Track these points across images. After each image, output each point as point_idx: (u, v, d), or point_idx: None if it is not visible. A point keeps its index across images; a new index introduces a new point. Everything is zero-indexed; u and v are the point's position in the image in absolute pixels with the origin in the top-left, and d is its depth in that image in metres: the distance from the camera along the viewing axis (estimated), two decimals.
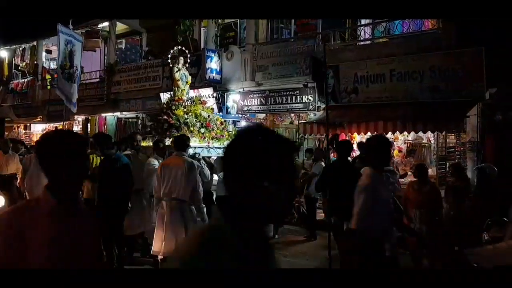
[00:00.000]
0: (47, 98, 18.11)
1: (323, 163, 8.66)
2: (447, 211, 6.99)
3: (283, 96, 11.40)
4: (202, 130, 7.59)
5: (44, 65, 19.93)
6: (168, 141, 7.06)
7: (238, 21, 14.08)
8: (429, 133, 9.06)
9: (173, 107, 7.87)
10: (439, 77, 8.49)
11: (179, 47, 9.05)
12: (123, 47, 17.62)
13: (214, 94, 12.27)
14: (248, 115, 12.43)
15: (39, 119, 18.91)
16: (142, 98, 14.47)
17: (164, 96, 13.28)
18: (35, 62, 19.51)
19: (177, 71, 8.36)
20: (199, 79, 12.43)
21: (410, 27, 9.83)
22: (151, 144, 7.20)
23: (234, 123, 13.35)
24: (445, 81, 8.41)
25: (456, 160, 8.92)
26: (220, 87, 12.42)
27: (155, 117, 8.32)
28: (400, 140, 10.03)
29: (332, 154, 9.99)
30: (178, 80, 8.29)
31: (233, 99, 12.29)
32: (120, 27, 16.61)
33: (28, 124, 20.56)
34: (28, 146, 11.79)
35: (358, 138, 10.24)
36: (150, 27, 16.23)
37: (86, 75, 17.20)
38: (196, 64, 12.54)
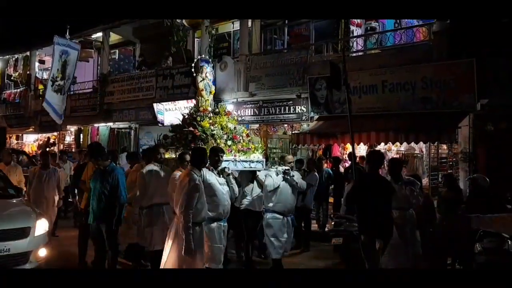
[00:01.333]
0: (40, 108, 18.03)
1: (316, 174, 8.67)
2: (440, 222, 7.00)
3: (276, 107, 11.43)
4: (229, 142, 7.15)
5: (37, 75, 19.86)
6: None
7: (232, 31, 14.16)
8: (421, 144, 9.10)
9: (198, 118, 7.43)
10: (430, 88, 8.55)
11: (202, 56, 8.73)
12: (117, 57, 17.60)
13: None
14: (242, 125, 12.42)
15: (31, 129, 18.79)
16: (135, 108, 14.42)
17: (158, 107, 13.29)
18: (28, 72, 19.41)
19: (201, 81, 7.98)
20: (192, 90, 12.41)
21: (402, 38, 9.94)
22: (173, 156, 6.99)
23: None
24: (436, 92, 8.47)
25: (449, 171, 8.97)
26: (214, 98, 12.38)
27: (178, 128, 7.84)
28: (393, 150, 10.07)
29: (326, 165, 10.02)
30: (202, 90, 7.92)
31: (227, 110, 12.27)
32: (114, 37, 16.61)
33: (20, 134, 20.42)
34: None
35: (351, 148, 10.25)
36: (143, 38, 16.25)
37: (79, 85, 17.14)
38: (189, 75, 12.53)
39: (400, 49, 9.76)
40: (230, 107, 12.14)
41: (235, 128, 7.60)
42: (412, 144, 8.96)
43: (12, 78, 20.52)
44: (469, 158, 8.45)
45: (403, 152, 10.00)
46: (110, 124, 15.69)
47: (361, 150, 10.19)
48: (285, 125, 11.93)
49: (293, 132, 11.48)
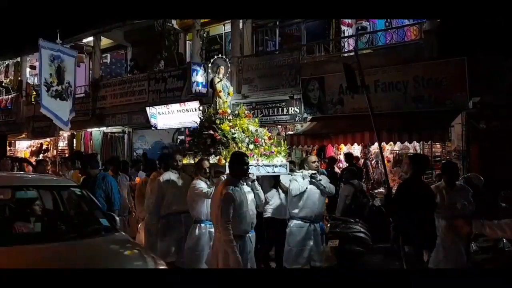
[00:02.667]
0: (32, 114, 17.94)
1: None
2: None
3: (269, 108, 11.42)
4: (251, 146, 6.68)
5: (29, 81, 19.71)
6: (213, 159, 6.35)
7: (223, 33, 14.13)
8: (415, 143, 9.11)
9: (218, 121, 6.97)
10: (423, 87, 8.58)
11: (219, 55, 8.18)
12: (108, 61, 17.53)
13: (201, 107, 12.21)
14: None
15: (23, 135, 18.65)
16: (128, 112, 14.36)
17: (150, 111, 13.23)
18: (19, 78, 19.29)
19: (218, 82, 7.47)
20: (185, 93, 12.39)
21: (393, 38, 9.95)
22: (191, 161, 6.65)
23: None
24: (429, 91, 8.50)
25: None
26: (207, 100, 12.36)
27: (195, 131, 7.42)
28: (387, 150, 10.08)
29: (320, 166, 10.00)
30: (220, 91, 7.40)
31: None
32: (105, 41, 16.54)
33: (12, 141, 20.26)
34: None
35: (345, 149, 10.27)
36: (135, 41, 16.19)
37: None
38: (181, 78, 12.51)
39: (391, 49, 9.77)
40: None
41: (256, 130, 7.12)
42: (406, 143, 8.96)
43: (3, 84, 20.39)
44: (463, 156, 8.48)
45: (397, 151, 10.01)
46: (103, 128, 15.62)
47: (356, 150, 10.19)
48: (279, 126, 11.92)
49: (286, 133, 11.46)
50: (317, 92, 10.10)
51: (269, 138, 7.22)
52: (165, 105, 12.96)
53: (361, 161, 10.36)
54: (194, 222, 5.70)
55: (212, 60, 7.83)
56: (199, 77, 12.18)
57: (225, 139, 6.59)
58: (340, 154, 10.64)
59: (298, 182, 6.08)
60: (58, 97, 10.25)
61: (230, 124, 6.88)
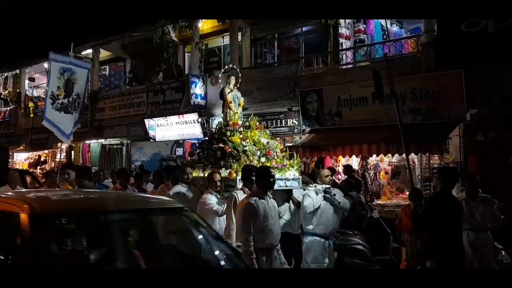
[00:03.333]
0: (30, 126, 17.95)
1: None
2: None
3: (268, 120, 11.43)
4: (263, 159, 6.43)
5: (27, 93, 19.77)
6: (224, 172, 6.12)
7: (222, 46, 14.23)
8: (412, 155, 9.12)
9: (228, 133, 6.73)
10: (420, 99, 8.62)
11: (231, 65, 8.01)
12: (107, 74, 17.61)
13: (199, 119, 12.26)
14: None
15: (22, 147, 18.63)
16: (126, 124, 14.37)
17: (149, 123, 13.25)
18: (17, 90, 19.34)
19: (229, 92, 7.22)
20: (183, 105, 12.43)
21: (391, 50, 10.03)
22: (201, 174, 6.44)
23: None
24: (426, 103, 8.54)
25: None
26: (205, 112, 12.42)
27: (204, 144, 7.20)
28: (385, 162, 10.09)
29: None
30: (231, 102, 7.16)
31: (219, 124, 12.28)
32: (104, 53, 16.62)
33: (11, 153, 20.21)
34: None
35: (343, 161, 10.27)
36: (133, 53, 16.27)
37: None
38: (180, 90, 12.56)
39: (389, 61, 9.81)
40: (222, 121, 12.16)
41: (268, 142, 6.89)
42: (404, 155, 8.97)
43: (1, 96, 20.42)
44: (461, 168, 8.48)
45: (395, 163, 10.03)
46: (102, 140, 15.62)
47: (353, 162, 10.20)
48: (278, 138, 11.93)
49: (285, 145, 11.47)
50: (316, 104, 10.14)
51: (281, 151, 6.99)
52: (164, 117, 12.99)
53: (360, 172, 10.37)
54: None
55: (222, 70, 7.68)
56: (197, 89, 12.24)
57: (236, 152, 6.38)
58: (338, 166, 10.64)
59: (312, 198, 5.79)
60: (62, 110, 10.16)
61: (241, 136, 6.66)
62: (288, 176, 6.39)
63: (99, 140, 15.67)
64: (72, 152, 17.04)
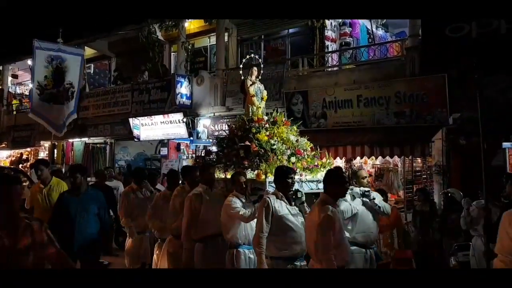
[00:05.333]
0: (12, 123, 17.66)
1: None
2: (415, 236, 7.05)
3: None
4: (293, 159, 5.77)
5: (10, 90, 19.43)
6: (250, 174, 5.49)
7: (208, 46, 14.18)
8: (396, 157, 9.20)
9: (254, 130, 6.03)
10: (404, 103, 8.69)
11: (251, 55, 7.23)
12: (92, 72, 17.40)
13: (184, 119, 12.19)
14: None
15: (3, 145, 18.30)
16: (110, 123, 14.21)
17: (133, 122, 13.11)
18: (0, 87, 18.99)
19: (251, 85, 6.53)
20: (169, 104, 12.34)
21: (376, 54, 10.10)
22: (221, 175, 5.83)
23: (205, 148, 13.27)
24: (410, 107, 8.62)
25: (423, 184, 9.07)
26: (191, 112, 12.36)
27: (225, 142, 6.45)
28: (369, 164, 10.15)
29: None
30: (253, 95, 6.48)
31: (204, 124, 12.23)
32: (89, 51, 16.42)
33: None
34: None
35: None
36: (119, 52, 16.12)
37: None
38: (165, 89, 12.47)
39: (374, 65, 9.93)
40: (207, 122, 12.11)
41: (297, 140, 6.21)
42: (387, 157, 9.05)
43: None
44: (443, 171, 8.58)
45: (378, 165, 10.08)
46: (85, 139, 15.41)
47: (338, 164, 10.20)
48: None
49: None
50: (301, 106, 10.15)
51: (311, 149, 6.34)
52: (149, 117, 12.88)
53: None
54: (230, 247, 4.79)
55: (244, 61, 6.99)
56: (183, 89, 12.16)
57: (262, 150, 5.74)
58: None
59: (348, 202, 5.09)
60: (51, 101, 9.48)
61: (267, 133, 6.00)
62: (319, 177, 5.61)
63: (83, 139, 15.46)
64: (55, 150, 16.78)
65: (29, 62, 18.28)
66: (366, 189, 5.22)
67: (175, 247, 5.34)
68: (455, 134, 8.20)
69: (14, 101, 19.12)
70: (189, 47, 13.18)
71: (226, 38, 12.88)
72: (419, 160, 9.44)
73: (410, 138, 8.30)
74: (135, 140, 13.43)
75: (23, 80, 20.57)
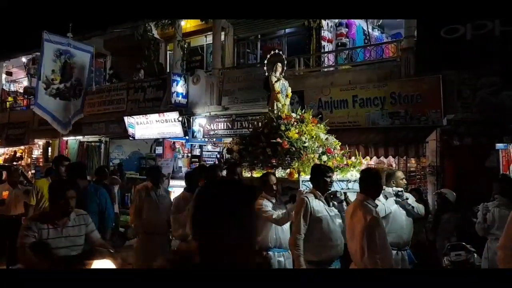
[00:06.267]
0: (6, 121, 17.56)
1: None
2: None
3: (249, 121, 11.43)
4: (324, 157, 5.54)
5: (4, 87, 19.33)
6: (280, 173, 5.27)
7: (205, 45, 14.19)
8: (390, 158, 9.26)
9: (283, 127, 5.79)
10: (399, 104, 8.75)
11: (275, 50, 7.05)
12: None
13: (180, 118, 12.19)
14: (214, 140, 12.39)
15: None
16: (105, 121, 14.17)
17: (128, 120, 13.08)
18: None
19: (276, 81, 6.32)
20: (164, 103, 12.34)
21: (371, 55, 10.16)
22: (247, 175, 5.58)
23: (201, 147, 13.28)
24: (405, 107, 8.68)
25: (417, 185, 9.12)
26: (186, 111, 12.35)
27: (250, 139, 6.11)
28: (363, 164, 10.18)
29: None
30: (279, 92, 6.24)
31: (199, 123, 12.23)
32: None
33: None
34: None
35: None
36: (114, 50, 16.08)
37: None
38: (161, 88, 12.46)
39: (370, 65, 9.99)
40: (203, 121, 12.12)
41: (327, 139, 5.98)
42: (382, 158, 9.10)
43: None
44: (437, 172, 8.64)
45: (373, 165, 10.13)
46: (80, 137, 15.36)
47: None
48: None
49: None
50: (297, 106, 10.15)
51: (341, 148, 6.15)
52: (144, 115, 12.85)
53: None
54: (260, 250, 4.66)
55: (268, 56, 6.78)
56: (179, 87, 12.15)
57: (293, 148, 5.52)
58: None
59: (382, 202, 4.86)
60: (58, 96, 9.09)
61: (296, 131, 5.76)
62: (349, 177, 5.50)
63: (77, 137, 15.40)
64: (49, 148, 16.73)
65: (24, 59, 18.26)
66: (400, 189, 5.08)
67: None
68: (449, 135, 8.26)
69: (10, 98, 19.04)
70: (185, 45, 13.18)
71: (222, 37, 12.90)
72: (413, 160, 9.49)
73: (405, 139, 8.36)
74: (130, 138, 13.39)
75: (17, 78, 20.47)
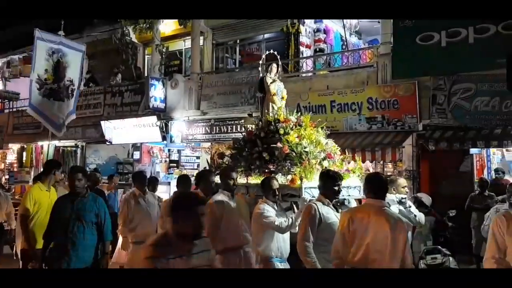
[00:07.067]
0: None
1: None
2: None
3: (228, 125, 11.41)
4: (325, 163, 5.28)
5: None
6: (281, 179, 4.98)
7: (183, 49, 14.10)
8: (368, 162, 9.34)
9: (282, 131, 5.53)
10: (376, 109, 8.87)
11: (271, 51, 6.79)
12: None
13: (158, 123, 12.06)
14: (193, 144, 12.30)
15: None
16: (82, 126, 13.91)
17: (106, 125, 12.88)
18: None
19: (271, 82, 6.07)
20: (142, 108, 12.20)
21: (349, 60, 10.27)
22: (242, 181, 5.27)
23: (179, 152, 13.16)
24: (381, 113, 8.80)
25: None
26: (164, 116, 12.24)
27: (244, 144, 5.80)
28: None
29: None
30: (274, 94, 5.99)
31: (178, 128, 12.13)
32: None
33: None
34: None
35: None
36: (92, 53, 15.80)
37: (22, 101, 16.39)
38: (139, 92, 12.33)
39: (347, 71, 10.08)
40: (181, 126, 12.03)
41: (327, 143, 5.76)
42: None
43: None
44: (413, 176, 8.76)
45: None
46: (55, 142, 15.04)
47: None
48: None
49: None
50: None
51: (341, 153, 5.95)
52: (121, 120, 12.68)
53: None
54: (260, 261, 4.34)
55: (263, 57, 6.56)
56: (157, 92, 12.04)
57: (293, 153, 5.23)
58: None
59: None
60: (51, 97, 8.62)
61: (295, 135, 5.51)
62: (349, 183, 5.26)
63: (52, 142, 15.07)
64: (24, 153, 16.32)
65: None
66: (403, 196, 4.88)
67: None
68: (425, 140, 8.39)
69: None
70: (164, 50, 13.07)
71: (201, 42, 12.84)
72: (390, 165, 9.61)
73: (382, 144, 8.47)
74: (107, 143, 13.19)
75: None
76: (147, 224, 5.57)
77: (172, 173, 12.06)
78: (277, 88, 6.13)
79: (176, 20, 13.02)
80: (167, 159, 13.30)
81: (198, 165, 12.68)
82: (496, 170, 8.92)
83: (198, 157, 13.04)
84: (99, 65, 15.38)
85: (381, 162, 9.20)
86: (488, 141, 7.71)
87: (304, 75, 11.05)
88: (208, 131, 11.61)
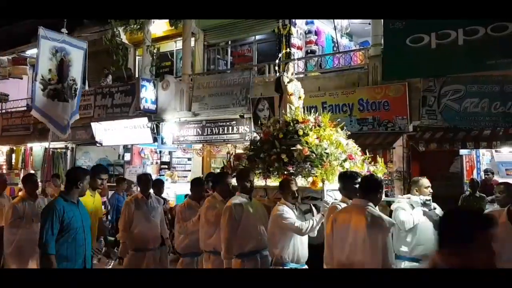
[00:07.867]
0: None
1: None
2: None
3: (219, 127, 11.39)
4: (346, 164, 5.17)
5: None
6: (301, 181, 4.89)
7: (175, 50, 14.08)
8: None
9: (301, 132, 5.41)
10: (367, 110, 8.92)
11: (288, 50, 6.52)
12: None
13: (149, 124, 12.01)
14: (184, 146, 12.27)
15: None
16: (72, 127, 13.74)
17: (96, 126, 12.79)
18: None
19: (288, 82, 5.93)
20: (133, 109, 12.14)
21: (340, 62, 10.31)
22: (260, 183, 5.23)
23: (170, 153, 13.11)
24: (372, 114, 8.85)
25: (384, 190, 9.27)
26: (155, 117, 12.19)
27: (261, 144, 5.70)
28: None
29: None
30: (292, 94, 5.86)
31: (169, 129, 12.09)
32: None
33: None
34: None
35: None
36: None
37: (12, 103, 16.27)
38: (130, 94, 12.27)
39: (338, 72, 10.13)
40: (172, 127, 11.99)
41: (347, 144, 5.64)
42: None
43: None
44: (403, 177, 8.82)
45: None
46: (45, 144, 14.90)
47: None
48: (229, 145, 11.90)
49: (236, 152, 11.45)
50: (267, 112, 10.21)
51: (362, 153, 5.78)
52: (112, 121, 12.60)
53: None
54: (275, 264, 4.20)
55: (279, 56, 6.29)
56: (148, 93, 11.98)
57: (314, 155, 5.11)
58: None
59: (408, 212, 4.61)
60: (55, 97, 8.35)
61: (315, 136, 5.37)
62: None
63: (42, 144, 14.95)
64: (13, 155, 16.16)
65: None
66: (427, 197, 4.74)
67: (214, 265, 4.65)
68: (415, 141, 8.44)
69: None
70: (155, 51, 13.03)
71: (192, 43, 12.82)
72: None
73: (372, 145, 8.49)
74: (98, 145, 13.09)
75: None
76: (146, 231, 5.41)
77: (163, 175, 12.01)
78: (294, 87, 6.02)
79: (167, 21, 13.00)
80: (158, 161, 13.25)
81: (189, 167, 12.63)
82: (486, 171, 9.01)
83: (189, 159, 12.99)
84: (89, 66, 15.22)
85: (372, 163, 9.23)
86: (477, 142, 7.77)
87: (295, 76, 11.06)
88: (200, 132, 11.59)
